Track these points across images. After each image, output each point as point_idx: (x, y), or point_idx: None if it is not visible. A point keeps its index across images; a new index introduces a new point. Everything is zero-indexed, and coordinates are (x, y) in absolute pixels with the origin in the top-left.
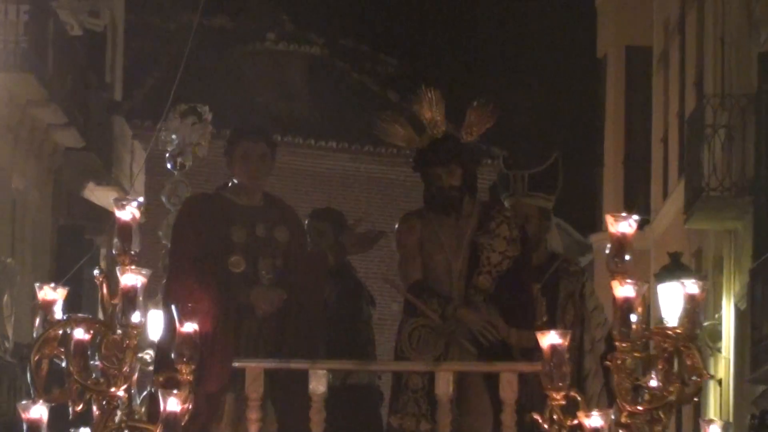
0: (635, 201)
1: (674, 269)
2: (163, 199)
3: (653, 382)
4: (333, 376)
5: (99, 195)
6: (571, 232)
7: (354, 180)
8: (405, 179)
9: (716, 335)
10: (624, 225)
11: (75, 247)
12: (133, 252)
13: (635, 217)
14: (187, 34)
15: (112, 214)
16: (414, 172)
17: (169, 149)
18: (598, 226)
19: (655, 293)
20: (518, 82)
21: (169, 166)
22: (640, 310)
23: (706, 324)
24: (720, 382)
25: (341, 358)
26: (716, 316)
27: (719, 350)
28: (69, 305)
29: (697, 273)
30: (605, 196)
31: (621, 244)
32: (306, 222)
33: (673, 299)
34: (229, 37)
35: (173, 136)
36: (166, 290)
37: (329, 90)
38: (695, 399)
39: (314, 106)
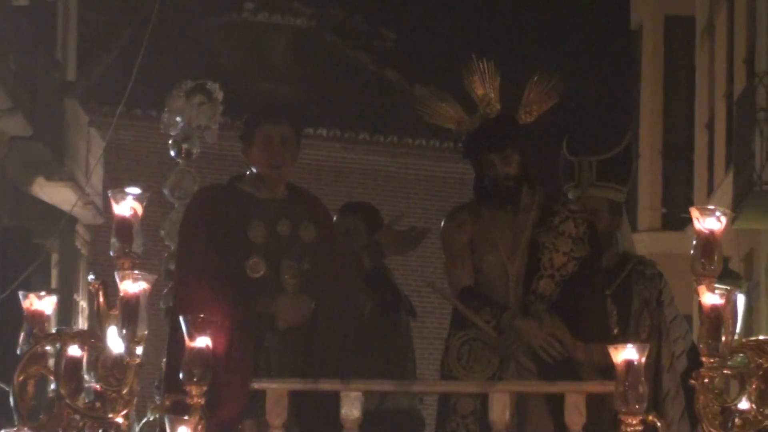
0: (676, 197)
1: (721, 276)
2: (166, 192)
3: (745, 404)
4: (367, 399)
5: (49, 192)
6: None
7: (348, 173)
8: (406, 172)
9: None
10: (712, 220)
11: (22, 252)
12: (134, 254)
13: (724, 210)
14: (151, 3)
15: (64, 213)
16: (464, 158)
17: (172, 134)
18: (633, 225)
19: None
20: (539, 59)
21: (172, 153)
22: (730, 320)
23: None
24: None
25: (377, 378)
26: None
27: None
28: (13, 320)
29: (747, 280)
30: (641, 192)
31: (709, 242)
32: (335, 218)
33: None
34: (200, 7)
35: (177, 119)
36: (174, 299)
37: (318, 68)
38: None
39: (301, 87)
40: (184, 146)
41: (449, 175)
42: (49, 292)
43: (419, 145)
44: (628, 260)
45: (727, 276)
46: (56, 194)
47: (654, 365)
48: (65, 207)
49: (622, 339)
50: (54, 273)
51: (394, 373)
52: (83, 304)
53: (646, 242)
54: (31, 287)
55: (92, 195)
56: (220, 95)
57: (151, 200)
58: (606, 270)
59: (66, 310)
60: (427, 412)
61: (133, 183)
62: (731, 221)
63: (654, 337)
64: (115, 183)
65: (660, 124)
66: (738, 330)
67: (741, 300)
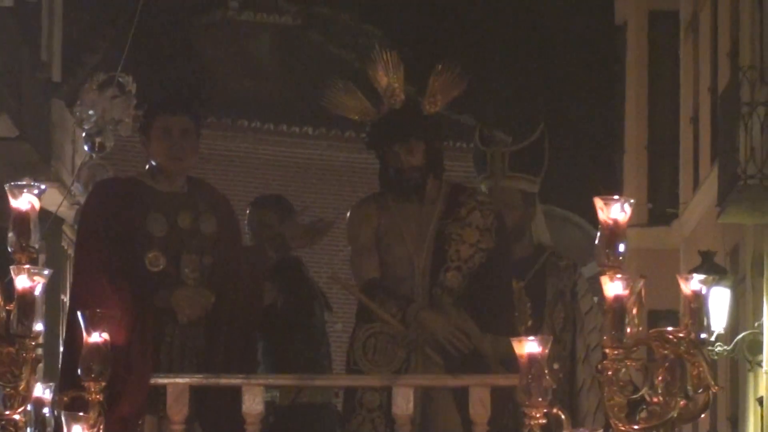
0: (661, 192)
1: (707, 271)
2: (78, 187)
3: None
4: (280, 393)
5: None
6: (587, 229)
7: (334, 171)
8: None
9: (756, 347)
10: (616, 209)
11: (8, 252)
12: (32, 248)
13: (630, 200)
14: (135, 2)
15: (51, 214)
16: (368, 149)
17: (86, 128)
18: None
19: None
20: (522, 55)
21: (86, 147)
22: (635, 311)
23: (744, 334)
24: (761, 400)
25: (287, 373)
26: (756, 324)
27: (760, 364)
28: None
29: (734, 274)
30: (626, 187)
31: (613, 232)
32: (248, 212)
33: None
34: (185, 5)
35: (90, 112)
36: (70, 293)
37: (303, 67)
38: (702, 416)
39: (286, 85)
40: (98, 140)
41: None
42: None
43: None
44: (542, 252)
45: (712, 271)
46: (43, 195)
47: (569, 357)
48: (51, 208)
49: (536, 331)
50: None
51: (307, 368)
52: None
53: (631, 237)
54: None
55: (78, 196)
56: (133, 88)
57: None
58: (520, 261)
59: (54, 310)
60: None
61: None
62: (717, 216)
63: (569, 329)
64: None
65: (645, 119)
66: (724, 324)
67: (727, 295)
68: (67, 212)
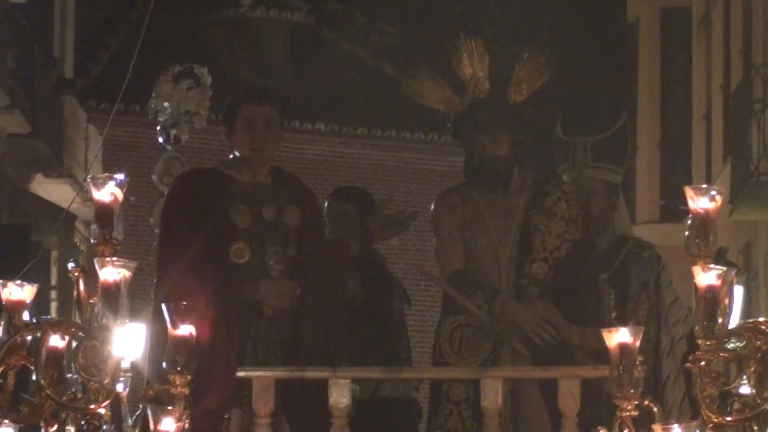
0: (673, 189)
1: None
2: (154, 179)
3: (745, 388)
4: (360, 387)
5: (48, 189)
6: None
7: (346, 167)
8: (405, 166)
9: None
10: (705, 200)
11: (21, 249)
12: (115, 240)
13: (721, 189)
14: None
15: (63, 210)
16: (453, 138)
17: (161, 120)
18: (631, 217)
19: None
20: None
21: (161, 140)
22: (726, 301)
23: None
24: None
25: (369, 366)
26: None
27: None
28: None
29: (746, 271)
30: (638, 184)
31: (704, 221)
32: (326, 204)
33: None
34: (198, 2)
35: (165, 104)
36: (155, 287)
37: (316, 64)
38: None
39: (298, 82)
40: (173, 132)
41: (448, 169)
42: (27, 281)
43: (418, 139)
44: (626, 243)
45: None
46: (55, 191)
47: (653, 350)
48: (64, 204)
49: (621, 323)
50: (53, 270)
51: (387, 361)
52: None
53: (644, 234)
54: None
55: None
56: (208, 80)
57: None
58: (603, 253)
59: (67, 306)
60: (423, 399)
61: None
62: (729, 213)
63: (653, 321)
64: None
65: (657, 116)
66: (737, 321)
67: (739, 291)
68: (80, 208)
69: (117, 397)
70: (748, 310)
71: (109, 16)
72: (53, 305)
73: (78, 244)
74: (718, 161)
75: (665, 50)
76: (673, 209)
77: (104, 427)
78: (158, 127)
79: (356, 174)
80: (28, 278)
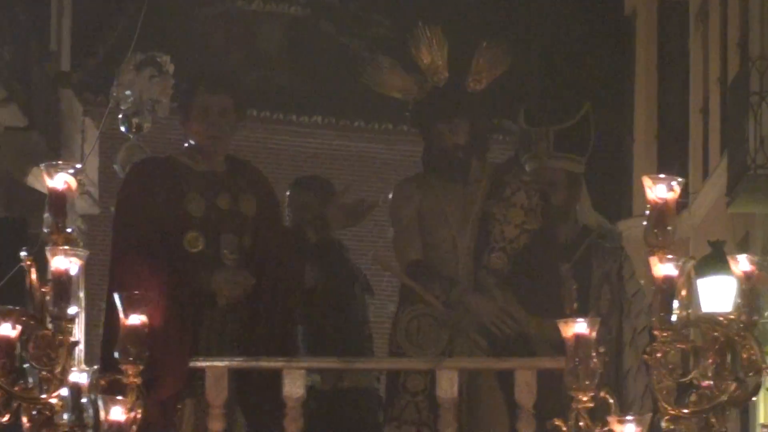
0: None
1: (716, 261)
2: (116, 168)
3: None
4: (322, 378)
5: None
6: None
7: (343, 160)
8: (402, 159)
9: (766, 336)
10: (663, 189)
11: (17, 242)
12: (69, 229)
13: (678, 179)
14: None
15: None
16: (412, 128)
17: (123, 108)
18: (628, 211)
19: (695, 289)
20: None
21: (123, 128)
22: (684, 292)
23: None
24: None
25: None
26: (766, 314)
27: None
28: None
29: None
30: (636, 177)
31: (662, 211)
32: (287, 193)
33: (715, 295)
34: None
35: (128, 93)
36: (109, 276)
37: (312, 56)
38: (753, 399)
39: (295, 75)
40: (135, 120)
41: None
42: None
43: (415, 132)
44: (588, 233)
45: (722, 261)
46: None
47: (615, 341)
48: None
49: (582, 314)
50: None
51: (348, 351)
52: (81, 294)
53: (641, 227)
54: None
55: (87, 185)
56: (171, 68)
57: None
58: (565, 243)
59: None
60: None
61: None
62: (726, 205)
63: (615, 312)
64: (110, 172)
65: (655, 109)
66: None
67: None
68: (76, 201)
69: (78, 388)
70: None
71: (106, 9)
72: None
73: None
74: (715, 154)
75: (662, 43)
76: None
77: (65, 417)
78: (120, 116)
79: (353, 166)
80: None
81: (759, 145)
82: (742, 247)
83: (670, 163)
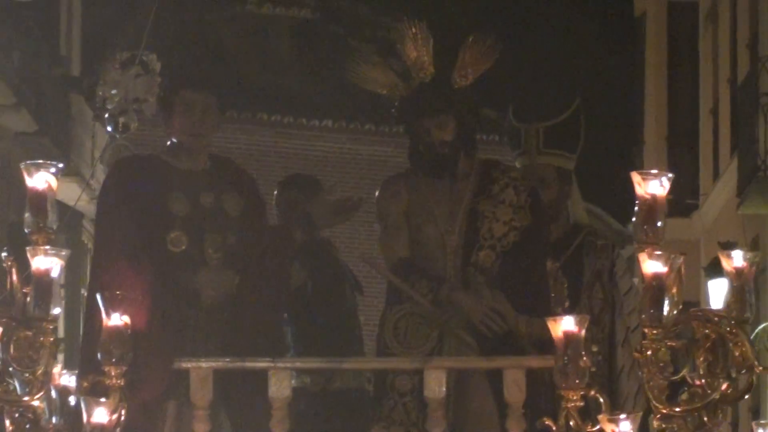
0: (681, 183)
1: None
2: (102, 167)
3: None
4: (312, 379)
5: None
6: (607, 221)
7: (354, 164)
8: None
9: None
10: (654, 184)
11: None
12: (50, 229)
13: (668, 174)
14: None
15: (70, 208)
16: (397, 125)
17: (108, 107)
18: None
19: (706, 290)
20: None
21: (109, 128)
22: (674, 289)
23: (765, 324)
24: None
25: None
26: None
27: None
28: None
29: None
30: None
31: (651, 207)
32: (276, 192)
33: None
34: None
35: (113, 92)
36: (90, 275)
37: (322, 60)
38: (745, 396)
39: (305, 79)
40: (121, 120)
41: None
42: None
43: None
44: (579, 231)
45: None
46: (62, 189)
47: (608, 340)
48: (71, 202)
49: (573, 313)
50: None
51: (338, 352)
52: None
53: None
54: None
55: (98, 190)
56: (157, 66)
57: None
58: (556, 241)
59: (74, 304)
60: None
61: None
62: (737, 207)
63: (607, 311)
64: None
65: (664, 110)
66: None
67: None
68: (87, 207)
69: (67, 391)
70: (756, 304)
71: (116, 14)
72: (63, 304)
73: (85, 242)
74: (725, 155)
75: (672, 44)
76: (681, 204)
77: (54, 420)
78: (106, 115)
79: (363, 170)
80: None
81: None
82: (753, 249)
83: (680, 165)
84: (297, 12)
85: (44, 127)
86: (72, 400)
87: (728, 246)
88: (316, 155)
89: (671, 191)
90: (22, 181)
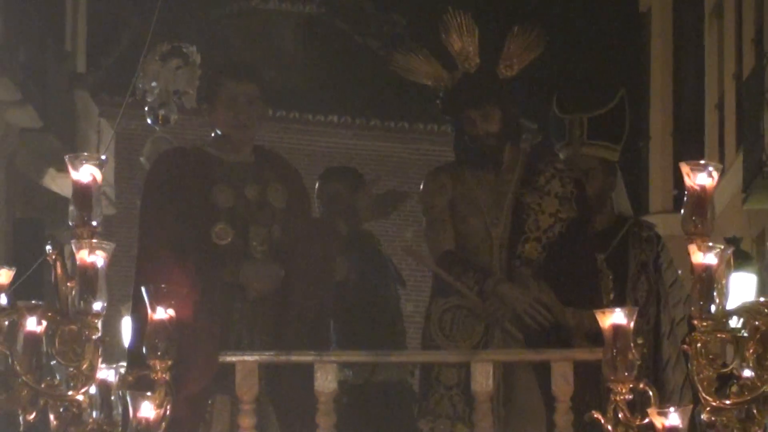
0: None
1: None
2: (143, 161)
3: (745, 371)
4: (354, 373)
5: (61, 183)
6: None
7: (359, 160)
8: (419, 158)
9: None
10: (703, 176)
11: (34, 243)
12: (94, 222)
13: (717, 165)
14: None
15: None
16: (443, 115)
17: (149, 100)
18: (645, 207)
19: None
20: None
21: (149, 120)
22: (723, 281)
23: None
24: None
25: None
26: None
27: None
28: None
29: (759, 260)
30: (652, 174)
31: (700, 198)
32: (317, 185)
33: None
34: None
35: (153, 84)
36: (136, 270)
37: (328, 56)
38: None
39: (311, 74)
40: (161, 112)
41: None
42: (40, 275)
43: (430, 131)
44: (624, 222)
45: (738, 258)
46: (67, 185)
47: (653, 332)
48: None
49: (619, 305)
50: (68, 264)
51: (381, 345)
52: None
53: (658, 224)
54: (44, 278)
55: (103, 186)
56: (197, 58)
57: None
58: (601, 232)
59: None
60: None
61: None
62: (742, 202)
63: (652, 303)
64: (126, 173)
65: (670, 105)
66: None
67: (753, 280)
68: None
69: (106, 385)
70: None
71: (121, 10)
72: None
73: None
74: (731, 150)
75: (677, 39)
76: None
77: (95, 414)
78: (146, 108)
79: (369, 165)
80: (41, 272)
81: None
82: (759, 244)
83: (685, 160)
84: (302, 7)
85: (50, 124)
86: (113, 394)
87: (734, 242)
88: (321, 151)
89: (676, 186)
90: (27, 177)
